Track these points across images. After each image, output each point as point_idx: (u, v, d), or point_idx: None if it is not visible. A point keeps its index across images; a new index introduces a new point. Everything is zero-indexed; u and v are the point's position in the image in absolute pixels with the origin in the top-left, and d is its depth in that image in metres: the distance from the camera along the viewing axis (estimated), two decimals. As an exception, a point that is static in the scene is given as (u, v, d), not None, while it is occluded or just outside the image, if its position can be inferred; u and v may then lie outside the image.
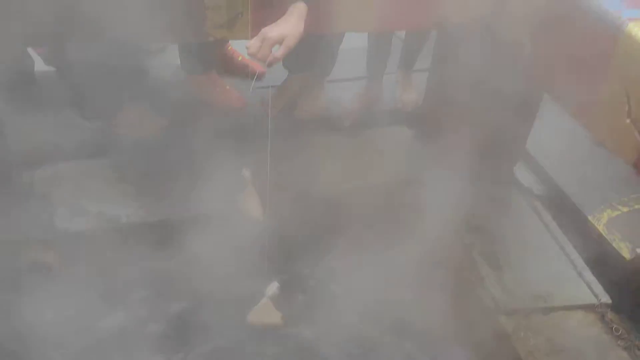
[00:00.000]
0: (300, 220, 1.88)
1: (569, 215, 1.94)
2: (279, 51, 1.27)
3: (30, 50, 1.91)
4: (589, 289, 1.71)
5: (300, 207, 1.91)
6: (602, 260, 1.77)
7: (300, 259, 1.95)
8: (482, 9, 1.63)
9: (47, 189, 1.82)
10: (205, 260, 1.71)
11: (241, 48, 2.28)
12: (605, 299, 1.67)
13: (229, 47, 2.34)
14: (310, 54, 1.99)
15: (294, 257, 1.94)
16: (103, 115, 1.97)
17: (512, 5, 1.50)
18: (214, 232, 1.71)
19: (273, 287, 1.68)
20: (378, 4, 1.57)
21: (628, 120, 1.15)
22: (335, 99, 2.31)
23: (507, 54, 1.59)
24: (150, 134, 1.98)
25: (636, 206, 1.91)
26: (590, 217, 1.89)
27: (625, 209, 1.92)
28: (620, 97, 1.16)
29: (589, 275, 1.75)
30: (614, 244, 1.78)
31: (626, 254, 1.75)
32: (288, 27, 1.28)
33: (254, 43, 1.27)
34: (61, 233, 1.72)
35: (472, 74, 1.78)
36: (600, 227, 1.85)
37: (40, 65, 2.01)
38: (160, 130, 2.02)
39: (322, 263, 1.96)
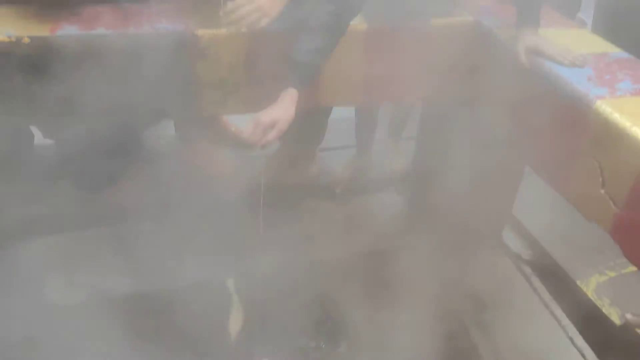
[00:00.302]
0: (290, 287, 1.89)
1: (558, 280, 1.96)
2: (271, 135, 1.35)
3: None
4: (580, 356, 1.70)
5: (290, 274, 1.92)
6: (592, 326, 1.78)
7: (291, 328, 1.94)
8: (461, 88, 1.72)
9: (38, 261, 1.83)
10: (197, 332, 1.70)
11: (234, 119, 2.37)
12: (598, 365, 1.67)
13: (223, 118, 2.42)
14: (302, 125, 2.07)
15: (285, 326, 1.93)
16: (98, 186, 2.01)
17: (489, 86, 1.58)
18: (205, 303, 1.71)
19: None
20: (363, 81, 1.66)
21: (602, 191, 1.21)
22: (327, 167, 2.37)
23: (488, 126, 1.67)
24: (144, 204, 2.02)
25: (623, 271, 1.94)
26: (578, 282, 1.91)
27: (612, 274, 1.94)
28: (594, 169, 1.22)
29: (581, 341, 1.74)
30: (603, 310, 1.79)
31: (616, 319, 1.76)
32: (280, 112, 1.36)
33: (247, 128, 1.36)
34: (51, 306, 1.72)
35: (456, 143, 1.86)
36: (589, 293, 1.86)
37: (38, 139, 2.07)
38: (154, 200, 2.05)
39: (312, 330, 1.95)
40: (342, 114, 2.24)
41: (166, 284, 1.84)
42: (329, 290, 1.93)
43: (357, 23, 1.54)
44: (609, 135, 1.18)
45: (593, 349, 1.71)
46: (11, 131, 1.71)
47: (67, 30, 1.41)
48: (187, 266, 1.87)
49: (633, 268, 1.26)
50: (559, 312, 1.85)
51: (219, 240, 1.97)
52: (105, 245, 1.93)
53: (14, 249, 1.86)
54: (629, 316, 1.71)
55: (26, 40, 1.35)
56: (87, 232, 1.97)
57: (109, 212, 1.98)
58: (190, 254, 1.91)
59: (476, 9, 1.72)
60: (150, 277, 1.84)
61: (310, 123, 2.14)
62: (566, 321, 1.82)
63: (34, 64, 1.37)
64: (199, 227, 1.99)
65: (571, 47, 1.44)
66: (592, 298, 1.84)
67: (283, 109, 1.37)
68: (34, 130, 2.03)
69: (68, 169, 2.03)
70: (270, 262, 1.89)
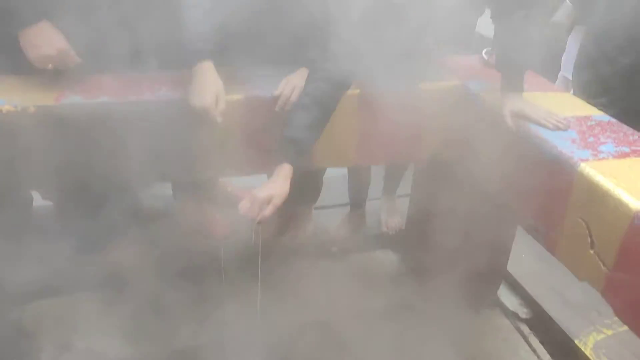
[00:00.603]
0: (290, 346, 1.87)
1: (556, 339, 1.95)
2: (267, 210, 1.40)
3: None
4: (582, 417, 1.68)
5: (290, 333, 1.91)
6: (592, 385, 1.76)
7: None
8: (450, 149, 1.77)
9: (36, 325, 1.82)
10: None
11: (231, 178, 2.41)
12: None
13: (220, 179, 2.47)
14: (297, 185, 2.11)
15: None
16: (96, 248, 2.03)
17: (477, 147, 1.64)
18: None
19: None
20: (356, 144, 1.72)
21: (592, 252, 1.23)
22: (322, 226, 2.40)
23: (479, 186, 1.71)
24: (141, 265, 2.02)
25: (620, 329, 1.93)
26: (577, 341, 1.90)
27: (609, 332, 1.93)
28: (582, 230, 1.25)
29: (581, 401, 1.72)
30: (602, 369, 1.78)
31: (615, 378, 1.74)
32: (275, 188, 1.42)
33: (244, 204, 1.41)
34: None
35: (448, 202, 1.89)
36: (588, 351, 1.85)
37: (37, 200, 2.10)
38: (151, 261, 2.06)
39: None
40: (336, 172, 2.29)
41: (163, 347, 1.82)
42: (326, 351, 1.91)
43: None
44: (594, 196, 1.21)
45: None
46: (11, 194, 1.74)
47: (72, 99, 1.47)
48: (184, 329, 1.86)
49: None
50: (559, 372, 1.83)
51: (216, 301, 1.97)
52: (103, 308, 1.92)
53: (10, 311, 1.85)
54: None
55: (32, 109, 1.41)
56: (84, 294, 1.96)
57: (106, 274, 1.98)
58: (186, 316, 1.89)
59: (463, 73, 1.80)
60: (147, 340, 1.83)
61: (305, 182, 2.18)
62: (566, 381, 1.80)
63: (38, 131, 1.42)
64: (196, 288, 1.99)
65: (554, 110, 1.51)
66: (590, 357, 1.83)
67: (278, 184, 1.43)
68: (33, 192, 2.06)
69: (66, 230, 2.05)
70: (267, 323, 1.88)
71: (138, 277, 1.95)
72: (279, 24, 1.54)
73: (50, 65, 1.47)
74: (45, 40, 1.43)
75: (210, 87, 1.46)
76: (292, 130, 1.46)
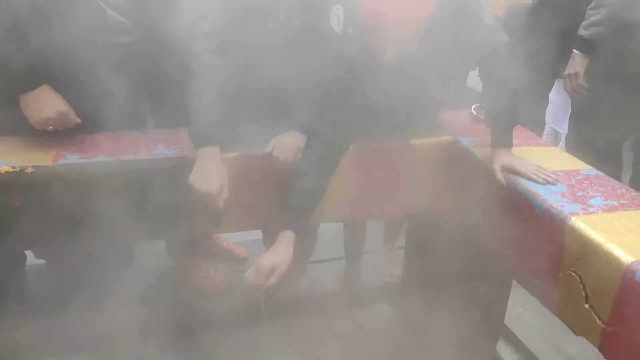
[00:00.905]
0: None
1: (557, 394, 1.91)
2: (273, 279, 1.42)
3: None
4: None
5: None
6: None
7: None
8: (443, 203, 1.80)
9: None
10: None
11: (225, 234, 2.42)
12: None
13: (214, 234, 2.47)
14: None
15: None
16: (88, 306, 2.00)
17: (470, 201, 1.66)
18: None
19: None
20: (349, 199, 1.74)
21: (587, 306, 1.23)
22: (317, 280, 2.38)
23: (474, 239, 1.72)
24: (135, 324, 1.99)
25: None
26: (578, 397, 1.86)
27: (611, 387, 1.90)
28: (576, 284, 1.25)
29: None
30: None
31: None
32: (279, 256, 1.45)
33: (251, 273, 1.43)
34: None
35: (444, 255, 1.90)
36: (589, 407, 1.81)
37: (30, 259, 2.09)
38: (145, 319, 2.03)
39: None
40: (330, 224, 2.29)
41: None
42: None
43: (343, 146, 1.64)
44: (586, 251, 1.22)
45: None
46: (4, 254, 1.73)
47: (69, 159, 1.50)
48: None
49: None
50: None
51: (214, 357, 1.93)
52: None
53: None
54: None
55: (29, 170, 1.43)
56: (76, 354, 1.92)
57: (99, 333, 1.94)
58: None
59: (454, 128, 1.85)
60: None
61: (299, 237, 2.18)
62: None
63: (36, 191, 1.44)
64: (191, 345, 1.96)
65: (543, 164, 1.54)
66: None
67: (281, 252, 1.46)
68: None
69: (58, 287, 2.02)
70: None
71: (131, 336, 1.92)
72: (279, 90, 1.58)
73: (50, 127, 1.50)
74: (45, 104, 1.47)
75: (216, 174, 1.48)
76: (294, 198, 1.50)
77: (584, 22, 2.30)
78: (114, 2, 1.63)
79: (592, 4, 2.28)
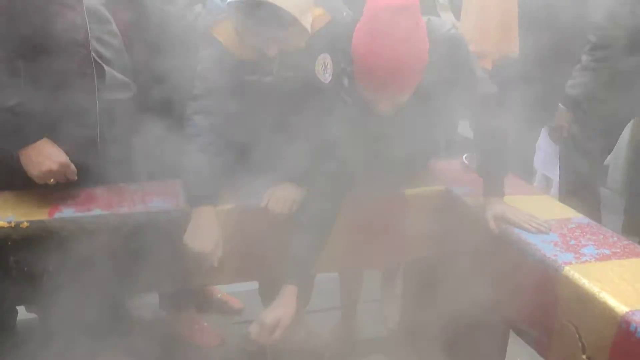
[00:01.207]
0: None
1: None
2: (277, 333, 1.43)
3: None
4: None
5: None
6: None
7: None
8: (437, 252, 1.80)
9: None
10: None
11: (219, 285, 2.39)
12: None
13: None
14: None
15: None
16: (80, 361, 1.96)
17: (463, 249, 1.67)
18: None
19: None
20: (343, 249, 1.74)
21: (584, 357, 1.22)
22: (314, 330, 2.34)
23: (468, 288, 1.72)
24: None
25: None
26: None
27: None
28: (572, 334, 1.25)
29: None
30: None
31: None
32: (282, 310, 1.45)
33: (254, 329, 1.44)
34: None
35: (439, 304, 1.89)
36: None
37: (22, 313, 2.06)
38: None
39: None
40: (326, 274, 2.28)
41: None
42: None
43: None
44: (580, 300, 1.23)
45: None
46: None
47: (65, 213, 1.50)
48: None
49: None
50: None
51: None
52: None
53: None
54: None
55: (25, 224, 1.43)
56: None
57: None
58: None
59: (446, 177, 1.87)
60: None
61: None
62: None
63: (31, 246, 1.44)
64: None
65: (535, 213, 1.56)
66: None
67: (284, 306, 1.46)
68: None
69: (50, 344, 1.98)
70: None
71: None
72: (273, 142, 1.61)
73: (52, 180, 1.51)
74: (46, 157, 1.49)
75: (211, 234, 1.51)
76: (297, 250, 1.51)
77: (570, 82, 2.41)
78: (111, 59, 1.67)
79: (579, 65, 2.38)
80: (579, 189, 2.46)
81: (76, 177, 1.56)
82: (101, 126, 1.62)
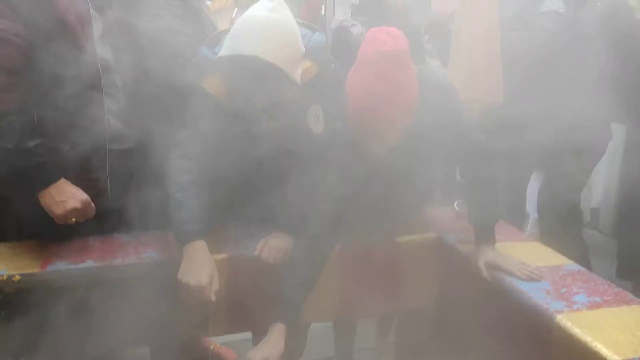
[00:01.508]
0: None
1: None
2: None
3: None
4: None
5: None
6: None
7: None
8: (431, 299, 1.80)
9: None
10: None
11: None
12: None
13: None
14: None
15: None
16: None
17: (456, 296, 1.67)
18: None
19: None
20: (338, 298, 1.74)
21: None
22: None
23: (462, 335, 1.71)
24: None
25: None
26: None
27: None
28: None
29: None
30: None
31: None
32: (270, 349, 1.45)
33: None
34: None
35: (433, 351, 1.87)
36: None
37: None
38: None
39: None
40: (320, 323, 2.25)
41: None
42: None
43: (330, 245, 1.67)
44: (573, 349, 1.23)
45: None
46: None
47: (57, 266, 1.50)
48: None
49: None
50: None
51: None
52: None
53: None
54: None
55: (17, 278, 1.43)
56: None
57: None
58: None
59: (438, 225, 1.89)
60: None
61: (291, 335, 2.14)
62: None
63: (23, 299, 1.43)
64: None
65: (527, 260, 1.57)
66: None
67: (272, 344, 1.45)
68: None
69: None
70: None
71: None
72: (266, 191, 1.63)
73: (73, 219, 1.50)
74: (70, 196, 1.49)
75: (205, 267, 1.47)
76: (286, 289, 1.51)
77: None
78: (113, 110, 1.69)
79: None
80: (560, 233, 2.48)
81: (94, 214, 1.56)
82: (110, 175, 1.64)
